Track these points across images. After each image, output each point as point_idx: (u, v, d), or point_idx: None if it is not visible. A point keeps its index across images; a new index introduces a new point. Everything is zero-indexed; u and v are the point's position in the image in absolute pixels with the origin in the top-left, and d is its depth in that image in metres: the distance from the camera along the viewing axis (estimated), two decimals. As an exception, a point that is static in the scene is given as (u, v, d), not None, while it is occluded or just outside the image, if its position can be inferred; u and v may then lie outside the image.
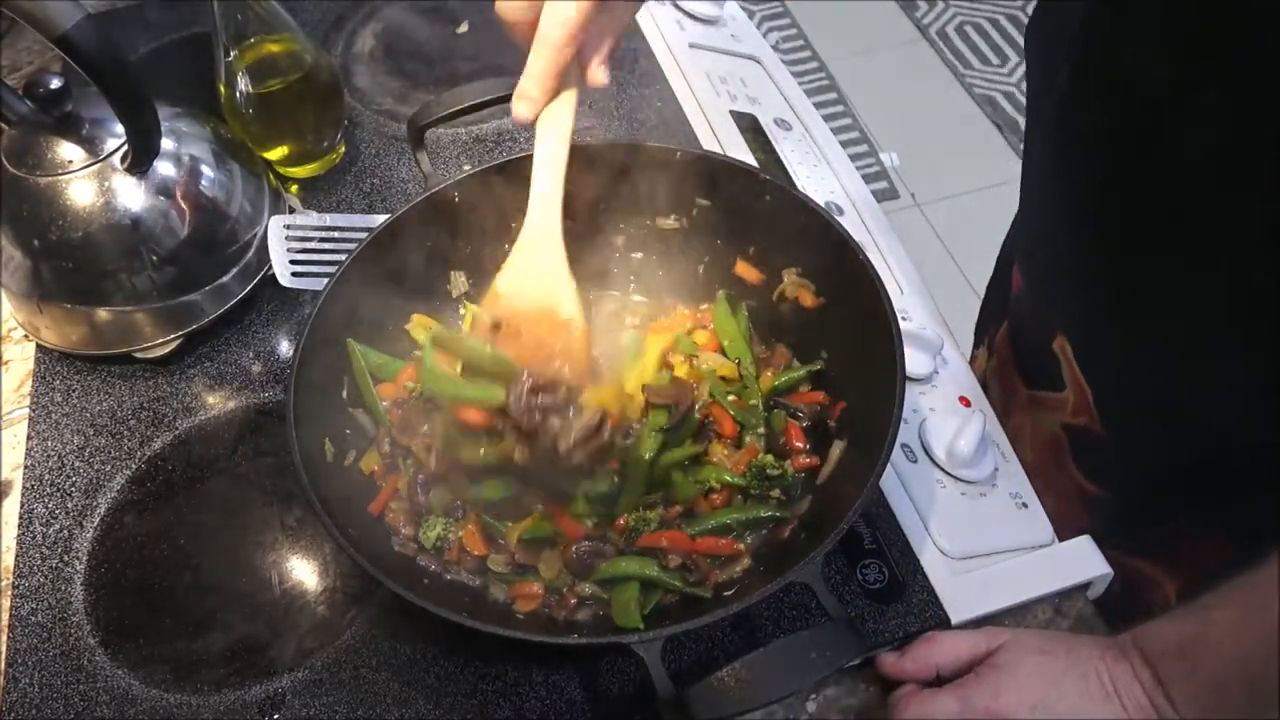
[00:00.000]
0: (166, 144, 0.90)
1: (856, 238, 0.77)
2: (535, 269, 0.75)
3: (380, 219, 0.83)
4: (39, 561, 0.82)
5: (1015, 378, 0.96)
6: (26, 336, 0.97)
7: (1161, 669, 0.60)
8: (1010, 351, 0.98)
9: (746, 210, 0.83)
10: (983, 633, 0.69)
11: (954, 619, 0.74)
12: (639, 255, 0.91)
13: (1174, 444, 0.77)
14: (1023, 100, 2.87)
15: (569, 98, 0.71)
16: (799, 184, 1.04)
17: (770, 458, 0.76)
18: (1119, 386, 0.80)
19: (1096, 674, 0.62)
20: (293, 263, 0.92)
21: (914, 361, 0.86)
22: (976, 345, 1.12)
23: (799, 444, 0.78)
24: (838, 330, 0.81)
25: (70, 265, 0.88)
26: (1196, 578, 0.78)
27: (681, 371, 0.82)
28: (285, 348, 0.96)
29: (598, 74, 0.71)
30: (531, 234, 0.74)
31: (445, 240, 0.86)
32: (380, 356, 0.82)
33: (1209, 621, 0.59)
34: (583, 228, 0.92)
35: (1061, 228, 0.81)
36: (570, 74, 0.70)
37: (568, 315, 0.74)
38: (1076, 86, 0.72)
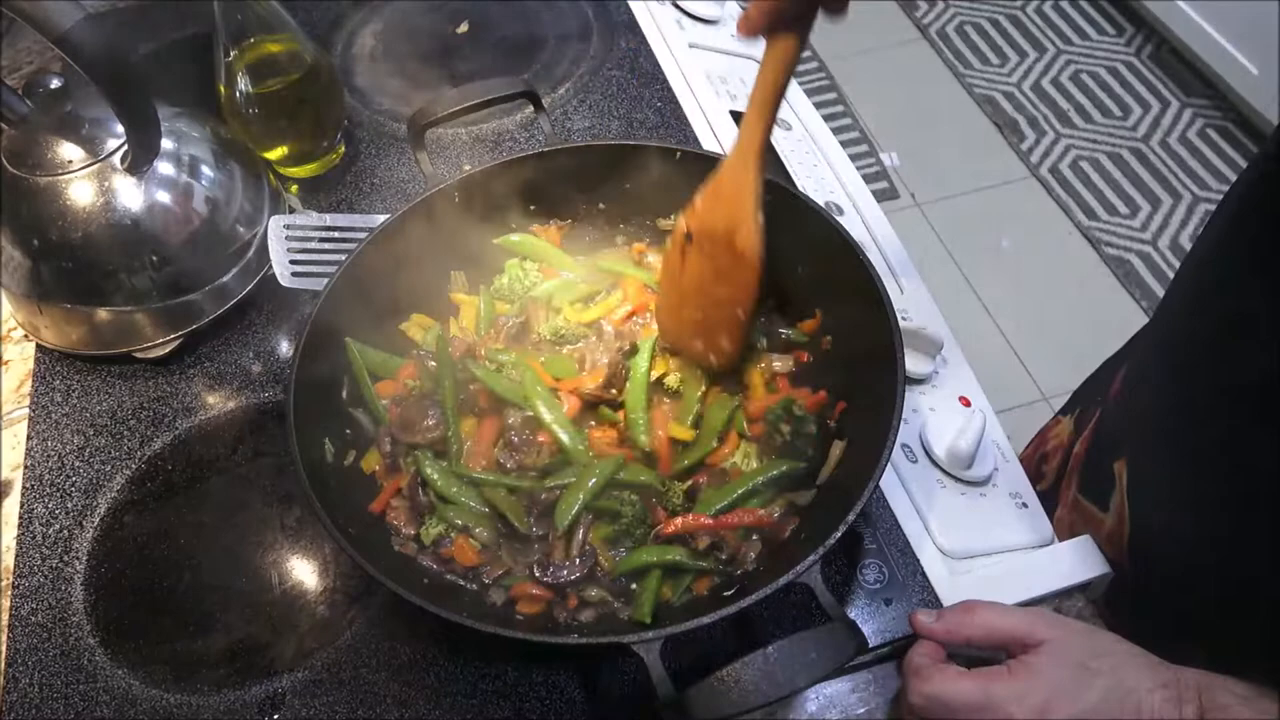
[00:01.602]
0: (166, 144, 0.90)
1: (856, 238, 0.77)
2: (727, 194, 0.76)
3: (380, 219, 0.83)
4: (39, 561, 0.82)
5: (1074, 472, 0.93)
6: (26, 336, 0.97)
7: None
8: (1085, 447, 0.93)
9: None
10: (1026, 616, 0.65)
11: (954, 619, 0.74)
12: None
13: (1199, 599, 0.73)
14: (1022, 99, 2.87)
15: (792, 43, 0.70)
16: (799, 184, 1.04)
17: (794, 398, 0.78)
18: (1159, 531, 0.77)
19: (1138, 708, 0.59)
20: (293, 263, 0.92)
21: (914, 361, 0.86)
22: (1065, 412, 1.03)
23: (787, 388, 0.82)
24: (838, 330, 0.81)
25: (70, 265, 0.88)
26: None
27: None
28: (285, 348, 0.96)
29: (832, 6, 0.69)
30: (730, 161, 0.75)
31: (445, 240, 0.86)
32: (379, 355, 0.82)
33: None
34: (582, 226, 0.92)
35: (1170, 364, 0.76)
36: (790, 12, 0.68)
37: (742, 247, 0.75)
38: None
